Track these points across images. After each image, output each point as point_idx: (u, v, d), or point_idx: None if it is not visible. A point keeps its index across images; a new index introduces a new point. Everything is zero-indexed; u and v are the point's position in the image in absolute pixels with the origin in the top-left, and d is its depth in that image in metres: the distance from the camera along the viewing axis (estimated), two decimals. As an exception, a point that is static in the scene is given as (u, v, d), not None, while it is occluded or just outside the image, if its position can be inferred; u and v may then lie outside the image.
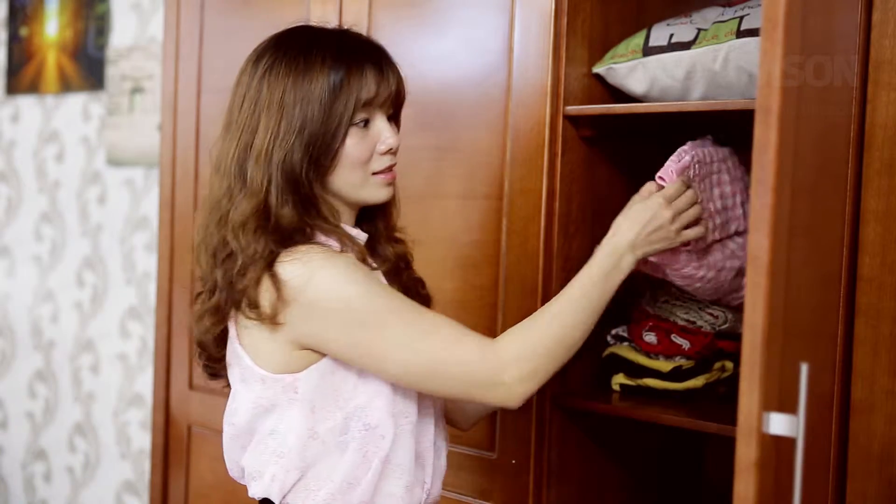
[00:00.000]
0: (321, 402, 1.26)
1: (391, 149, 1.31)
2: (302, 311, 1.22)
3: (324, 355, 1.26)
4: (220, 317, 1.29)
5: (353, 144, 1.28)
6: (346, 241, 1.29)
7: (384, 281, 1.34)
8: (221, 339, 1.33)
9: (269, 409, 1.28)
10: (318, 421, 1.26)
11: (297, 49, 1.29)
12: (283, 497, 1.28)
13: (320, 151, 1.26)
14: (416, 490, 1.31)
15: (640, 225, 1.35)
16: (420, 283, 1.46)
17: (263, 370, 1.27)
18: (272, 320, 1.22)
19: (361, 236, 1.35)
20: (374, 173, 1.31)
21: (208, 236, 1.29)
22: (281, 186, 1.25)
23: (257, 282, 1.22)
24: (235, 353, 1.30)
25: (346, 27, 1.36)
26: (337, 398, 1.27)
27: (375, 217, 1.39)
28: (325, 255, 1.23)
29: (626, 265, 1.35)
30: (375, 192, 1.32)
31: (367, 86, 1.28)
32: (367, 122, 1.29)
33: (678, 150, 1.44)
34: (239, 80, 1.32)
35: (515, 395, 1.25)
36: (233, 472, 1.39)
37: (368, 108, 1.29)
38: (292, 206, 1.25)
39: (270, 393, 1.27)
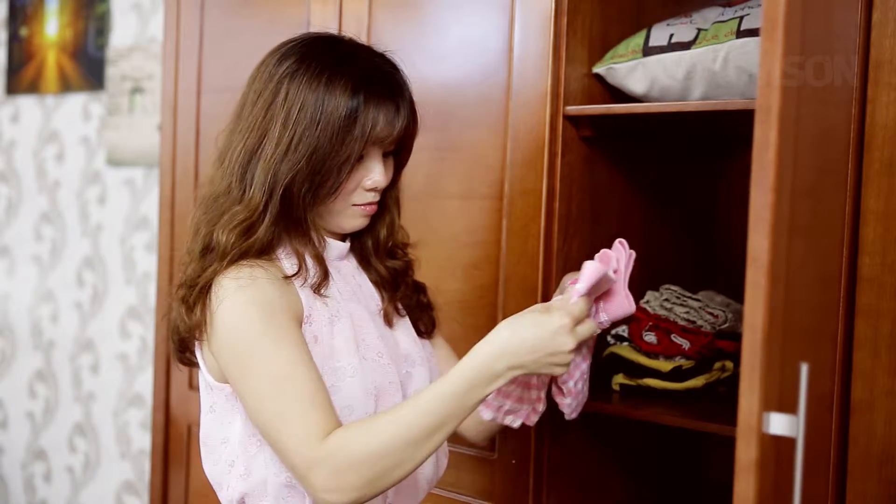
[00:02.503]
0: None
1: (377, 187, 1.30)
2: (210, 328, 1.24)
3: None
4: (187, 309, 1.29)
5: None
6: (304, 265, 1.27)
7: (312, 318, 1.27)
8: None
9: (220, 417, 1.30)
10: (254, 431, 1.27)
11: (323, 63, 1.26)
12: None
13: (323, 179, 1.25)
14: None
15: (534, 350, 1.15)
16: (422, 290, 1.45)
17: (210, 377, 1.29)
18: (195, 328, 1.25)
19: (341, 247, 1.34)
20: (353, 205, 1.31)
21: (200, 229, 1.30)
22: (277, 203, 1.25)
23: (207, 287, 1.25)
24: (199, 357, 1.32)
25: (378, 49, 1.34)
26: None
27: (363, 232, 1.37)
28: (238, 285, 1.22)
29: (499, 381, 1.16)
30: (350, 221, 1.32)
31: (379, 123, 1.26)
32: (362, 157, 1.28)
33: (599, 256, 1.25)
34: (258, 73, 1.30)
35: (323, 501, 1.16)
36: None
37: (372, 145, 1.28)
38: (278, 224, 1.26)
39: (218, 400, 1.30)
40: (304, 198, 1.26)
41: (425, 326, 1.44)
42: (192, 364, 1.33)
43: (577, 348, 1.22)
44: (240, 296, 1.22)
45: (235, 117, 1.31)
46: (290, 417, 1.18)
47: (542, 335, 1.14)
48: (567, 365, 1.16)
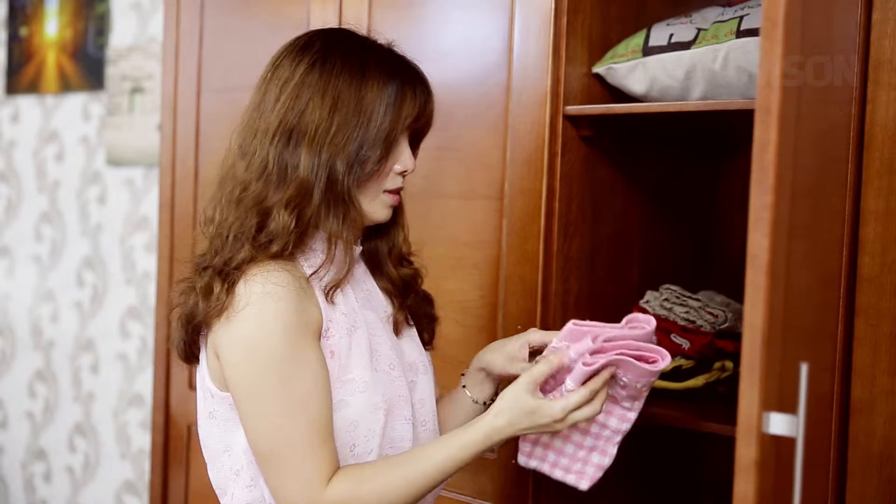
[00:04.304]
0: None
1: (406, 171, 1.31)
2: (223, 334, 1.21)
3: None
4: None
5: None
6: (328, 263, 1.25)
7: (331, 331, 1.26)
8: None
9: (221, 425, 1.27)
10: None
11: (353, 51, 1.28)
12: None
13: (364, 159, 1.25)
14: None
15: (532, 427, 1.24)
16: (429, 302, 1.44)
17: (212, 384, 1.26)
18: (210, 319, 1.22)
19: (355, 251, 1.32)
20: (385, 191, 1.31)
21: (230, 215, 1.25)
22: (324, 184, 1.23)
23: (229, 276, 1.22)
24: (202, 357, 1.29)
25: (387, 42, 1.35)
26: None
27: (378, 237, 1.37)
28: (265, 291, 1.19)
29: (493, 446, 1.26)
30: (380, 210, 1.31)
31: (414, 108, 1.28)
32: (394, 142, 1.29)
33: (587, 336, 1.26)
34: (279, 63, 1.28)
35: None
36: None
37: (405, 128, 1.29)
38: (322, 205, 1.24)
39: (220, 408, 1.27)
40: (347, 178, 1.24)
41: (429, 337, 1.45)
42: (196, 360, 1.31)
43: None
44: (266, 306, 1.18)
45: (255, 106, 1.28)
46: (299, 450, 1.18)
47: (542, 422, 1.24)
48: (558, 432, 1.27)
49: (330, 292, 1.26)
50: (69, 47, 3.25)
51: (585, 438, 1.33)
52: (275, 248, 1.21)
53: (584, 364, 1.23)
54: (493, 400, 1.43)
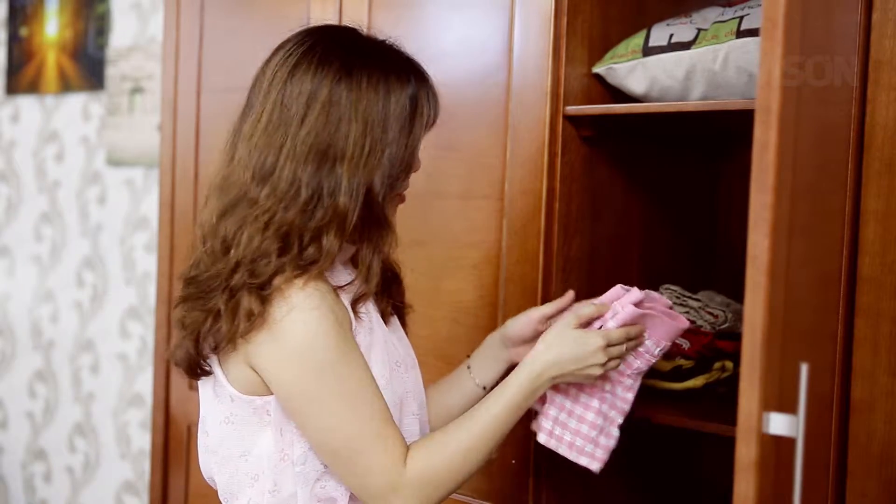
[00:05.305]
0: (288, 426, 1.24)
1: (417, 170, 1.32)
2: (266, 342, 1.19)
3: None
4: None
5: None
6: (361, 280, 1.24)
7: (357, 334, 1.27)
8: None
9: (240, 430, 1.26)
10: (286, 444, 1.25)
11: (372, 60, 1.25)
12: None
13: (396, 175, 1.25)
14: None
15: (574, 363, 1.31)
16: (399, 283, 1.43)
17: (233, 388, 1.24)
18: (242, 336, 1.19)
19: (352, 250, 1.29)
20: (398, 194, 1.30)
21: (256, 237, 1.20)
22: (360, 207, 1.21)
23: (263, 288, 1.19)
24: (216, 365, 1.27)
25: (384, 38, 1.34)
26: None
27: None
28: (306, 294, 1.18)
29: (541, 390, 1.32)
30: (393, 214, 1.30)
31: (430, 110, 1.28)
32: None
33: (633, 291, 1.37)
34: (293, 73, 1.23)
35: None
36: (209, 482, 1.38)
37: (425, 134, 1.30)
38: (359, 228, 1.22)
39: (241, 413, 1.25)
40: (382, 198, 1.23)
41: (403, 319, 1.44)
42: (204, 374, 1.27)
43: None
44: (310, 311, 1.18)
45: (272, 123, 1.23)
46: (369, 439, 1.20)
47: (582, 353, 1.31)
48: (592, 378, 1.34)
49: (357, 304, 1.26)
50: (69, 47, 3.25)
51: (598, 418, 1.39)
52: (315, 270, 1.20)
53: (626, 310, 1.34)
54: (495, 384, 1.45)
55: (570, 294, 1.44)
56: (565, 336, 1.31)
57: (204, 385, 1.30)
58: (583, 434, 1.40)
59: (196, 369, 1.26)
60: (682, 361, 1.63)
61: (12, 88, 3.43)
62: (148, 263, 3.05)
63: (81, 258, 3.27)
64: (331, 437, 1.21)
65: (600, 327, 1.35)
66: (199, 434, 1.35)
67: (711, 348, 1.65)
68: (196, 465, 2.21)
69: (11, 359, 3.49)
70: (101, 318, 3.22)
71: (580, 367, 1.31)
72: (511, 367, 1.43)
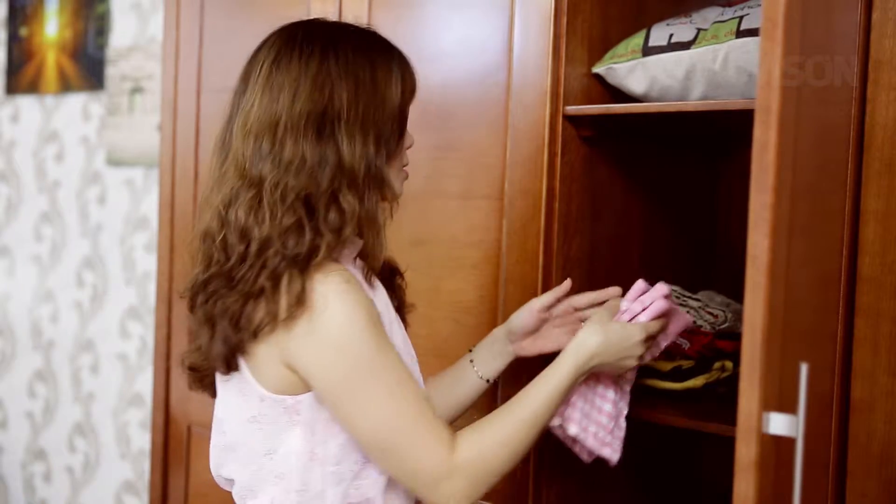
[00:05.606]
0: (321, 425, 1.24)
1: (411, 146, 1.35)
2: (304, 336, 1.19)
3: None
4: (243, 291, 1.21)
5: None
6: (377, 244, 1.27)
7: (381, 314, 1.28)
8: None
9: (266, 429, 1.25)
10: (317, 443, 1.24)
11: (353, 34, 1.30)
12: None
13: (388, 137, 1.27)
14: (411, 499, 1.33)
15: (617, 354, 1.34)
16: (400, 276, 1.46)
17: (263, 388, 1.24)
18: (287, 317, 1.18)
19: (360, 243, 1.31)
20: (403, 167, 1.34)
21: (278, 212, 1.20)
22: (364, 168, 1.23)
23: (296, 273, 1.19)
24: (242, 365, 1.26)
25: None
26: (335, 423, 1.25)
27: None
28: (338, 282, 1.19)
29: (582, 378, 1.34)
30: (400, 186, 1.33)
31: (412, 81, 1.32)
32: None
33: (660, 285, 1.41)
34: (278, 60, 1.26)
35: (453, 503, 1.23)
36: (219, 481, 1.37)
37: (409, 103, 1.32)
38: (365, 189, 1.24)
39: (270, 412, 1.24)
40: (378, 159, 1.25)
41: (404, 317, 1.46)
42: (235, 369, 1.26)
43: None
44: (347, 305, 1.19)
45: (261, 106, 1.24)
46: (417, 428, 1.21)
47: (626, 344, 1.34)
48: (630, 368, 1.38)
49: (368, 276, 1.29)
50: (69, 47, 3.25)
51: (613, 410, 1.43)
52: (347, 231, 1.21)
53: (658, 304, 1.38)
54: (498, 377, 1.50)
55: (568, 282, 1.47)
56: (609, 327, 1.34)
57: (225, 386, 1.29)
58: (603, 425, 1.42)
59: (231, 362, 1.25)
60: (682, 361, 1.63)
61: (12, 88, 3.43)
62: (148, 263, 3.05)
63: (81, 258, 3.27)
64: (379, 430, 1.21)
65: (630, 320, 1.38)
66: (213, 434, 1.34)
67: (711, 348, 1.65)
68: (196, 465, 2.22)
69: (11, 359, 3.49)
70: (101, 318, 3.22)
71: (620, 358, 1.34)
72: (514, 361, 1.49)
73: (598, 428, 1.42)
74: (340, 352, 1.19)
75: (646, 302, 1.39)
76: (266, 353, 1.22)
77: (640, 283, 1.42)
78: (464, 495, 1.22)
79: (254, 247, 1.20)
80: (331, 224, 1.21)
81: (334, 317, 1.18)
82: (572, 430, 1.40)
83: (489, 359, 1.49)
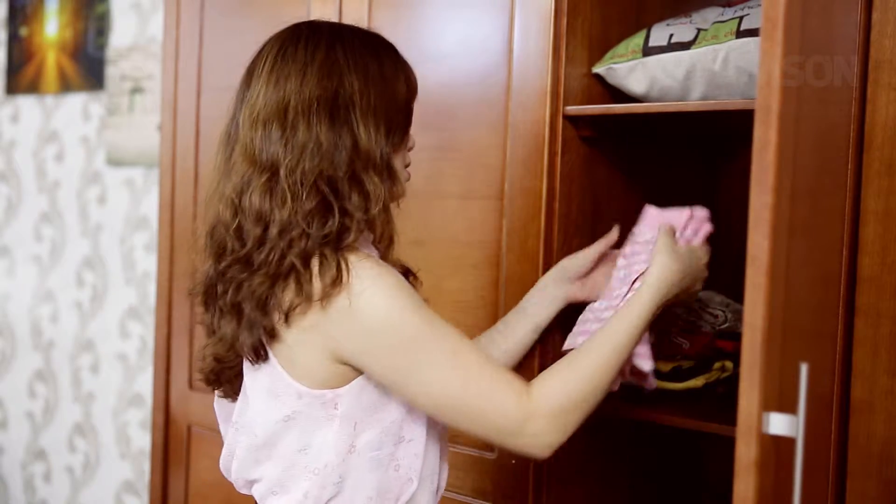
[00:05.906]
0: (361, 416, 1.23)
1: (413, 147, 1.35)
2: (346, 321, 1.18)
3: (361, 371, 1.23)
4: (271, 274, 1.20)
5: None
6: (387, 228, 1.27)
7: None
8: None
9: (301, 425, 1.23)
10: (357, 435, 1.23)
11: (357, 29, 1.31)
12: None
13: (396, 126, 1.28)
14: (437, 492, 1.33)
15: (691, 280, 1.37)
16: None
17: (300, 384, 1.21)
18: (319, 300, 1.17)
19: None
20: (406, 166, 1.34)
21: (301, 194, 1.20)
22: (377, 153, 1.24)
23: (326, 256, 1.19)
24: (275, 362, 1.24)
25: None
26: (375, 412, 1.24)
27: None
28: (370, 264, 1.20)
29: (660, 311, 1.34)
30: (403, 185, 1.33)
31: (415, 79, 1.33)
32: None
33: (699, 208, 1.44)
34: (282, 53, 1.26)
35: (543, 448, 1.22)
36: (237, 484, 1.34)
37: (413, 99, 1.34)
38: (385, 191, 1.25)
39: (306, 409, 1.22)
40: (387, 147, 1.25)
41: None
42: (264, 358, 1.24)
43: None
44: (383, 281, 1.19)
45: (267, 95, 1.24)
46: (489, 381, 1.20)
47: (698, 266, 1.38)
48: (698, 293, 1.42)
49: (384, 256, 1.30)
50: (69, 47, 3.25)
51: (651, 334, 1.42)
52: (374, 211, 1.22)
53: (706, 227, 1.41)
54: (550, 322, 1.53)
55: (616, 231, 1.52)
56: (682, 254, 1.36)
57: (253, 387, 1.27)
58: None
59: (260, 350, 1.23)
60: (682, 361, 1.63)
61: (12, 88, 3.43)
62: (148, 263, 3.05)
63: (81, 258, 3.27)
64: (451, 395, 1.20)
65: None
66: (239, 436, 1.31)
67: (711, 348, 1.65)
68: (196, 465, 2.22)
69: (11, 359, 3.49)
70: (101, 318, 3.22)
71: (692, 284, 1.37)
72: (565, 304, 1.52)
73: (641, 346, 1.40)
74: (390, 334, 1.18)
75: (696, 224, 1.41)
76: (302, 341, 1.20)
77: (652, 209, 1.45)
78: (549, 433, 1.21)
79: (274, 230, 1.19)
80: (356, 205, 1.21)
81: (375, 300, 1.17)
82: (647, 366, 1.37)
83: (543, 305, 1.51)
